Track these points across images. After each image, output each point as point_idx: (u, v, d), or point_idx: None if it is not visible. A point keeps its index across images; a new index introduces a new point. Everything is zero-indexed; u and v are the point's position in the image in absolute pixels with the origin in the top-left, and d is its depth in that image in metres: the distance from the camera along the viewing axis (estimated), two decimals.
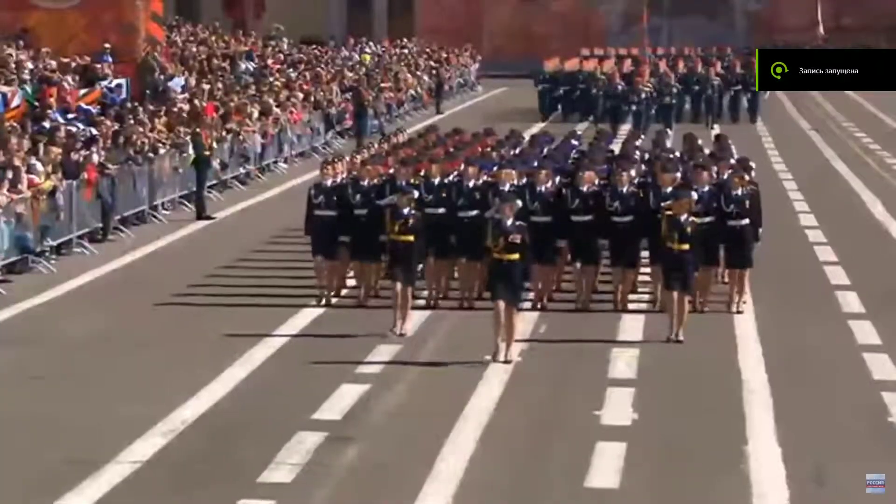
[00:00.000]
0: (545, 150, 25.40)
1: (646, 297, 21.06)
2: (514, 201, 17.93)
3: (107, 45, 39.44)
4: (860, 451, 14.36)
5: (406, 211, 18.87)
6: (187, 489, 13.29)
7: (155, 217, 28.80)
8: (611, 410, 15.77)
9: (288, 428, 14.92)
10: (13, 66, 34.84)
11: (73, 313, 20.69)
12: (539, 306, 20.38)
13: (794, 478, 13.47)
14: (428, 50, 61.10)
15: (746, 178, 20.77)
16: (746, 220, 20.14)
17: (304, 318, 20.12)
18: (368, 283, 20.91)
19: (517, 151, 24.78)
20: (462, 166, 21.67)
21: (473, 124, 32.43)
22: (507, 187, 20.22)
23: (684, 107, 48.43)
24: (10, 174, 23.04)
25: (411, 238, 18.81)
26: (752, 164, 22.44)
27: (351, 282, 21.40)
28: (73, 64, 36.48)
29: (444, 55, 60.64)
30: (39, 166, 24.23)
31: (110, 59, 39.00)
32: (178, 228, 28.18)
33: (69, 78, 34.60)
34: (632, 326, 19.62)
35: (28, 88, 32.86)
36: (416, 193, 19.54)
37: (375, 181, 20.91)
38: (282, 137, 36.66)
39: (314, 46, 55.65)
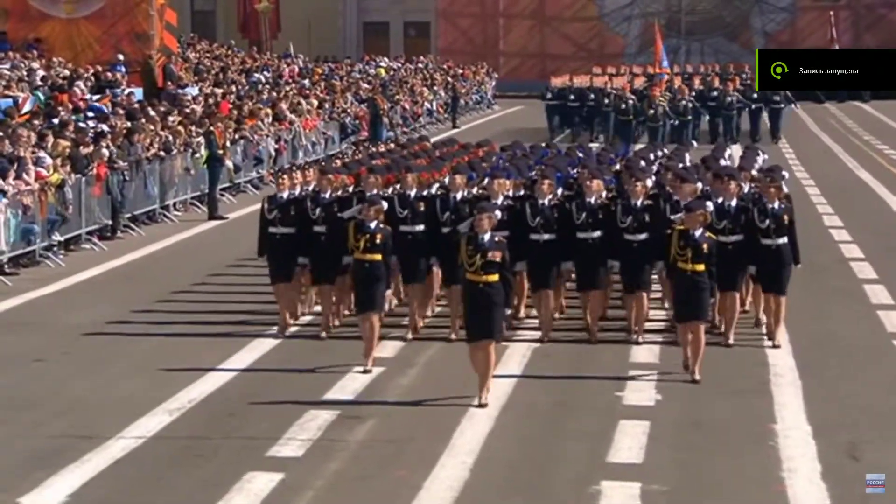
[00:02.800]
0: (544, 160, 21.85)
1: (660, 325, 18.40)
2: (493, 212, 15.03)
3: (120, 56, 39.28)
4: (893, 429, 13.82)
5: (373, 225, 15.98)
6: (192, 462, 12.81)
7: (166, 216, 28.37)
8: (633, 392, 15.25)
9: (299, 406, 14.43)
10: (25, 73, 34.61)
11: (78, 304, 20.24)
12: (540, 338, 17.55)
13: (826, 454, 12.97)
14: (444, 66, 60.82)
15: (784, 189, 18.09)
16: (784, 239, 17.31)
17: (254, 350, 17.16)
18: (328, 308, 18.01)
19: (510, 160, 21.38)
20: (447, 177, 18.63)
21: (501, 137, 31.39)
22: (500, 200, 17.24)
23: (700, 125, 46.32)
24: (15, 165, 22.61)
25: (378, 257, 15.96)
26: (785, 174, 19.23)
27: (316, 307, 18.75)
28: (86, 74, 36.29)
29: (460, 71, 60.33)
30: (48, 159, 23.79)
31: (124, 69, 38.83)
32: (189, 228, 27.72)
33: (81, 84, 34.33)
34: (646, 358, 16.80)
35: (40, 95, 32.58)
36: (385, 204, 16.57)
37: (340, 193, 17.98)
38: (296, 143, 36.20)
39: (329, 63, 55.40)
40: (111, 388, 15.42)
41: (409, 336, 17.65)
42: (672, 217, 17.08)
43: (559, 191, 18.24)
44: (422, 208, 17.69)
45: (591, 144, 37.21)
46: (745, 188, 18.36)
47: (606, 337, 17.76)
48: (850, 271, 22.69)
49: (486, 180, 18.53)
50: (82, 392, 15.24)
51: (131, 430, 13.69)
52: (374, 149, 25.37)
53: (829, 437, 13.49)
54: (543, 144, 25.95)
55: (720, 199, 17.55)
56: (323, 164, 20.41)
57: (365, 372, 15.86)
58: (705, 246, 15.67)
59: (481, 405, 14.50)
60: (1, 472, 12.48)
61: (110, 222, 25.83)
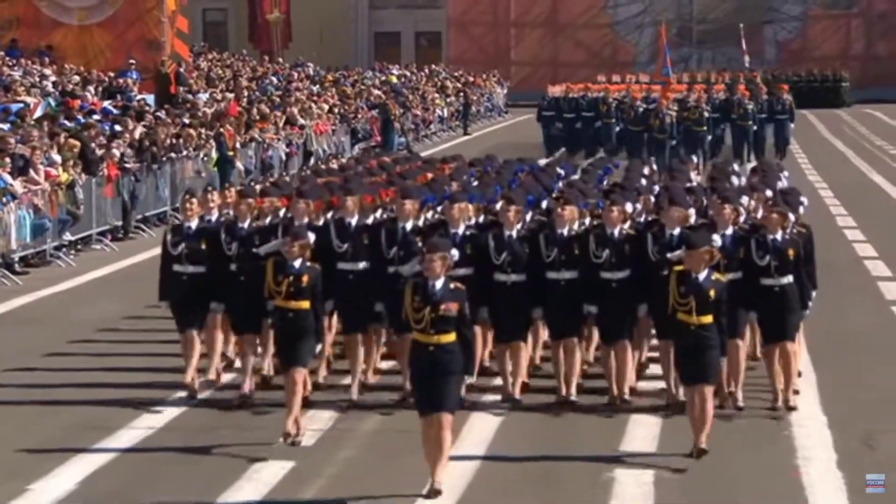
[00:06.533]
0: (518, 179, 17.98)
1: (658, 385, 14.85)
2: (448, 251, 11.60)
3: (132, 62, 39.30)
4: None
5: (298, 264, 12.79)
6: (202, 452, 12.74)
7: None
8: (645, 389, 15.10)
9: (310, 397, 14.32)
10: (37, 79, 34.63)
11: (89, 301, 20.26)
12: (510, 398, 14.14)
13: (842, 443, 12.90)
14: (455, 74, 60.83)
15: (791, 216, 14.44)
16: (789, 278, 14.06)
17: (159, 418, 13.87)
18: (247, 361, 14.52)
19: (476, 180, 17.80)
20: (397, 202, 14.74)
21: (498, 148, 30.13)
22: (461, 230, 14.06)
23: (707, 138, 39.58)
24: (21, 164, 22.62)
25: (306, 304, 12.79)
26: (804, 200, 16.07)
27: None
28: (97, 78, 36.34)
29: (471, 78, 60.32)
30: (59, 159, 23.78)
31: (135, 76, 38.83)
32: None
33: (91, 88, 34.34)
34: (641, 434, 13.33)
35: (51, 101, 32.58)
36: (313, 237, 13.20)
37: (269, 221, 14.61)
38: (307, 147, 36.14)
39: (340, 71, 55.43)
40: (121, 381, 15.32)
41: (353, 395, 14.39)
42: (668, 255, 13.36)
43: (528, 217, 14.77)
44: (365, 241, 14.42)
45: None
46: (760, 212, 15.15)
47: (588, 400, 14.41)
48: (865, 269, 22.63)
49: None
50: (92, 385, 15.15)
51: (141, 422, 13.66)
52: (324, 165, 22.33)
53: (844, 426, 13.41)
54: (516, 159, 21.42)
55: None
56: (242, 185, 16.68)
57: (288, 439, 12.74)
58: (712, 292, 12.39)
59: (432, 493, 11.30)
60: (11, 460, 12.46)
61: (121, 223, 25.79)
